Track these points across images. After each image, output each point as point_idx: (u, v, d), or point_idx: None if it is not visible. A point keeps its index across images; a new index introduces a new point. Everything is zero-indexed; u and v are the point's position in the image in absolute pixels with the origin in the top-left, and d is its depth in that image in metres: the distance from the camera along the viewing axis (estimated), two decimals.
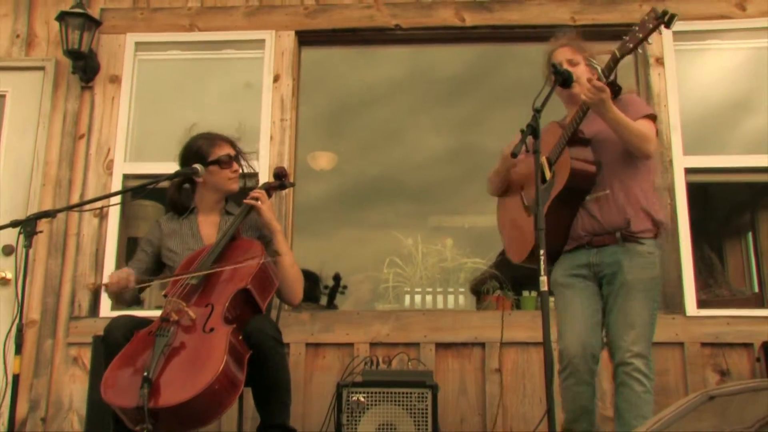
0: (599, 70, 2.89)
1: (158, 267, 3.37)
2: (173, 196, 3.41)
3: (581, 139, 2.99)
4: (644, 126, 2.98)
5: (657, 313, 2.97)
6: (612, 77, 2.90)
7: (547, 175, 2.99)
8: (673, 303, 4.02)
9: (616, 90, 3.00)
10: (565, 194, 2.95)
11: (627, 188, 3.00)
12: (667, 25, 2.76)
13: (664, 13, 2.74)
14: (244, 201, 3.29)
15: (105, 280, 3.13)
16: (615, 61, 2.87)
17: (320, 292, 4.99)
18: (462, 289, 4.75)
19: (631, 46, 2.81)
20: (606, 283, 2.99)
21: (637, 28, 2.81)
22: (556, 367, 2.97)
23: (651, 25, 2.77)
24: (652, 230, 3.00)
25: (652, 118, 3.07)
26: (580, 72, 3.14)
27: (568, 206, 3.00)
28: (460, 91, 5.10)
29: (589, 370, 2.95)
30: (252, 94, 4.52)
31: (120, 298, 3.18)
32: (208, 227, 3.34)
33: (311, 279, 4.89)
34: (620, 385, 2.87)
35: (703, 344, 3.95)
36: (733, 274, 5.18)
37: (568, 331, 2.98)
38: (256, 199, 3.26)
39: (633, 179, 3.03)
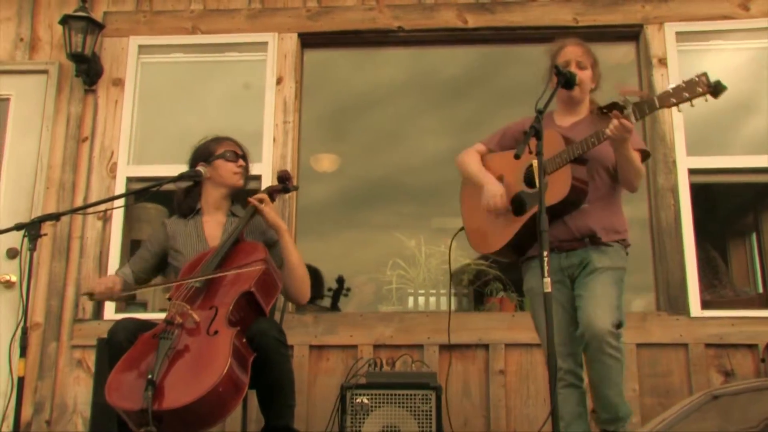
0: (629, 113, 2.86)
1: (159, 267, 3.38)
2: (180, 199, 3.44)
3: (582, 159, 3.01)
4: (638, 160, 3.05)
5: (623, 301, 3.01)
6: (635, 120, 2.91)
7: (537, 182, 2.99)
8: (677, 304, 4.02)
9: (611, 107, 3.01)
10: (556, 208, 2.96)
11: (603, 206, 3.08)
12: (715, 96, 2.73)
13: (717, 83, 2.71)
14: (248, 199, 3.29)
15: (90, 288, 3.14)
16: (651, 109, 2.86)
17: (324, 292, 4.99)
18: (465, 291, 4.74)
19: (674, 101, 2.79)
20: (577, 279, 3.05)
21: (683, 85, 2.77)
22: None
23: (700, 90, 2.73)
24: (616, 238, 3.09)
25: (646, 155, 3.15)
26: (586, 77, 3.14)
27: (550, 217, 3.00)
28: (462, 92, 5.10)
29: (575, 374, 3.04)
30: (254, 97, 4.53)
31: (110, 300, 3.20)
32: (213, 228, 3.35)
33: (315, 275, 4.89)
34: (591, 360, 2.92)
35: (708, 345, 3.95)
36: (737, 274, 5.17)
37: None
38: (260, 200, 3.27)
39: (610, 199, 3.12)
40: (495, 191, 3.15)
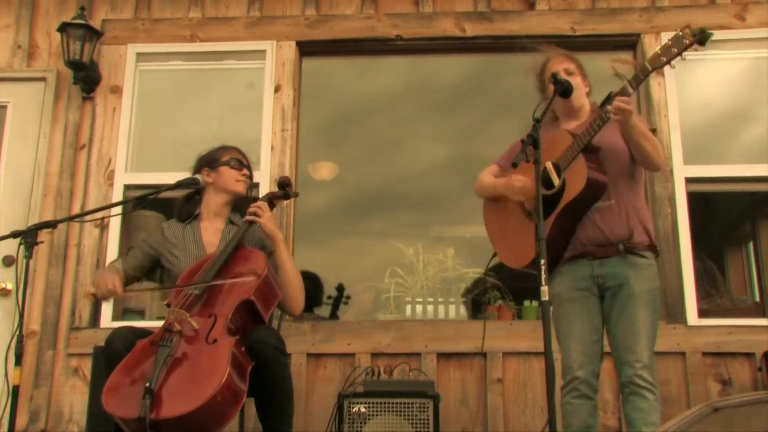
0: (626, 84, 2.85)
1: (151, 269, 3.37)
2: (181, 203, 3.45)
3: (593, 147, 2.98)
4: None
5: (658, 323, 2.99)
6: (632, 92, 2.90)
7: (555, 181, 2.98)
8: (674, 313, 4.02)
9: (608, 99, 3.01)
10: (577, 203, 2.94)
11: (628, 200, 3.03)
12: (702, 44, 2.73)
13: (701, 30, 2.72)
14: (245, 218, 3.28)
15: (92, 288, 3.11)
16: (645, 74, 2.85)
17: (323, 301, 4.98)
18: (463, 299, 4.75)
19: (664, 60, 2.78)
20: (610, 296, 2.99)
21: (670, 43, 2.77)
22: (558, 377, 2.97)
23: (687, 41, 2.73)
24: (648, 242, 3.03)
25: (654, 132, 3.11)
26: (577, 82, 3.15)
27: (575, 214, 3.00)
28: (460, 100, 5.12)
29: (591, 386, 2.98)
30: (252, 104, 4.53)
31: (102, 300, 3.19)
32: (211, 234, 3.34)
33: (315, 283, 4.89)
34: (630, 394, 2.88)
35: (705, 354, 3.95)
36: (734, 283, 5.19)
37: (571, 347, 2.98)
38: (256, 214, 3.26)
39: (633, 191, 3.07)
40: (517, 181, 3.11)
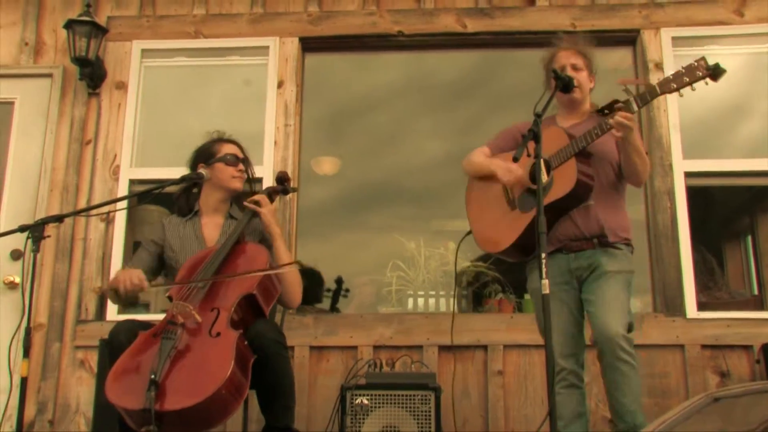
0: (631, 101, 2.88)
1: (160, 266, 3.39)
2: (179, 199, 3.46)
3: (586, 152, 3.03)
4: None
5: (631, 302, 3.05)
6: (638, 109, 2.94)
7: (544, 177, 3.02)
8: (673, 305, 4.05)
9: (610, 106, 3.05)
10: (561, 202, 3.00)
11: (608, 204, 3.11)
12: (714, 79, 2.75)
13: (716, 66, 2.74)
14: (244, 203, 3.31)
15: (115, 283, 3.10)
16: (653, 96, 2.87)
17: (323, 294, 5.02)
18: (464, 293, 4.78)
19: (675, 86, 2.81)
20: (585, 282, 3.08)
21: (683, 71, 2.79)
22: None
23: (699, 74, 2.76)
24: (623, 241, 3.11)
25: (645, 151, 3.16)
26: (583, 78, 3.17)
27: (557, 212, 3.05)
28: (461, 96, 5.13)
29: (577, 376, 3.07)
30: (256, 100, 4.56)
31: (123, 301, 3.17)
32: (212, 229, 3.37)
33: (314, 279, 4.92)
34: (607, 366, 2.93)
35: (704, 346, 3.98)
36: (732, 276, 5.20)
37: (554, 340, 3.01)
38: (257, 203, 3.29)
39: (613, 197, 3.15)
40: (506, 166, 3.15)
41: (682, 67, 2.80)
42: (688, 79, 2.78)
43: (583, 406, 3.07)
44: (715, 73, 2.74)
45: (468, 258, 4.75)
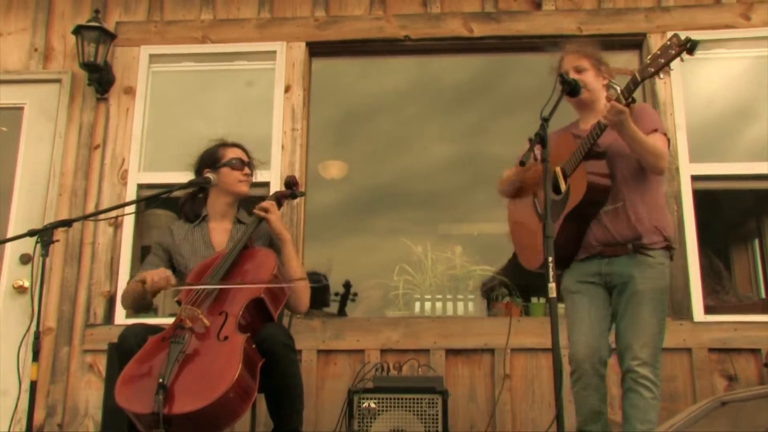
0: (618, 92, 2.84)
1: (171, 270, 3.38)
2: (185, 204, 3.47)
3: (597, 152, 3.00)
4: (658, 141, 3.00)
5: (665, 321, 3.00)
6: (630, 99, 2.93)
7: (562, 186, 3.02)
8: (680, 309, 4.05)
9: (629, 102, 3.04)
10: (581, 208, 2.97)
11: (639, 202, 3.03)
12: (690, 52, 2.72)
13: (687, 40, 2.71)
14: (254, 210, 3.32)
15: (145, 276, 3.09)
16: (635, 84, 2.83)
17: (330, 298, 5.03)
18: (471, 296, 4.78)
19: (653, 70, 2.77)
20: (617, 293, 3.02)
21: (659, 53, 2.77)
22: (566, 372, 3.00)
23: (673, 52, 2.73)
24: (662, 242, 3.03)
25: (664, 133, 3.09)
26: (588, 78, 3.15)
27: (583, 218, 3.02)
28: (468, 100, 5.14)
29: (597, 374, 2.99)
30: (263, 104, 4.58)
31: (140, 304, 3.19)
32: (220, 235, 3.37)
33: (323, 286, 4.93)
34: (628, 390, 2.91)
35: (711, 350, 3.98)
36: (739, 280, 5.19)
37: (576, 335, 3.01)
38: (265, 210, 3.30)
39: (645, 193, 3.06)
40: (535, 171, 3.07)
41: (657, 50, 2.78)
42: (663, 60, 2.75)
43: (602, 406, 3.00)
44: (691, 47, 2.70)
45: (476, 262, 4.76)
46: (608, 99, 2.86)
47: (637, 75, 2.82)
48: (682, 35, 2.74)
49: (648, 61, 2.80)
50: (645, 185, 3.07)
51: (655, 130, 3.03)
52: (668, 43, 2.75)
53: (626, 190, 3.03)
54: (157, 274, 3.07)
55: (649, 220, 3.02)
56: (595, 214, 3.02)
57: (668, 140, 3.12)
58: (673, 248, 3.10)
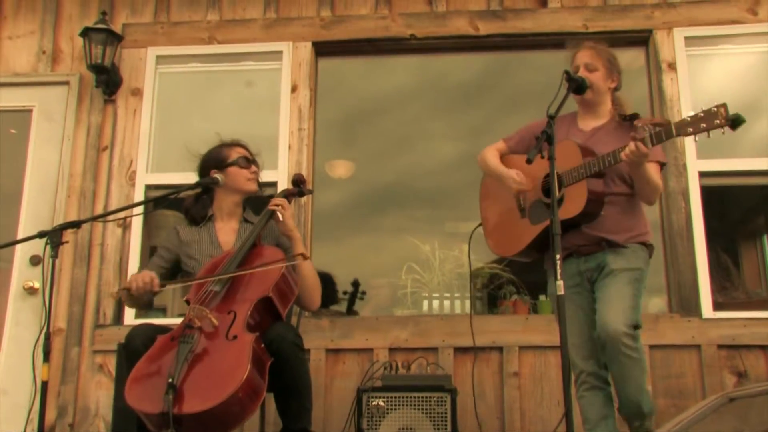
0: (646, 138, 2.82)
1: (174, 273, 3.40)
2: (190, 205, 3.47)
3: (598, 172, 3.02)
4: (656, 174, 3.04)
5: (641, 298, 3.03)
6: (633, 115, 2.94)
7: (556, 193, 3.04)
8: (689, 306, 4.04)
9: (633, 117, 3.05)
10: (573, 221, 3.01)
11: (620, 210, 3.09)
12: (733, 128, 2.65)
13: (736, 116, 2.64)
14: (269, 207, 3.31)
15: (128, 283, 3.13)
16: (668, 136, 2.80)
17: (338, 297, 5.04)
18: (479, 294, 4.78)
19: (691, 131, 2.73)
20: (595, 283, 3.08)
21: (702, 115, 2.70)
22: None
23: (718, 122, 2.66)
24: (635, 240, 3.10)
25: (663, 165, 3.14)
26: (597, 78, 3.15)
27: (567, 227, 3.03)
28: (474, 98, 5.14)
29: (599, 377, 3.06)
30: (270, 104, 4.59)
31: (137, 302, 3.21)
32: (227, 234, 3.38)
33: (328, 282, 4.93)
34: (608, 361, 2.95)
35: (720, 346, 3.97)
36: (748, 276, 5.17)
37: (572, 343, 3.00)
38: (280, 205, 3.31)
39: (627, 203, 3.12)
40: (515, 176, 3.20)
41: (702, 111, 2.69)
42: (705, 125, 2.68)
43: (609, 408, 3.04)
44: (735, 123, 2.63)
45: (483, 260, 4.76)
46: (633, 138, 2.84)
47: (672, 129, 2.79)
48: (731, 110, 2.65)
49: (689, 120, 2.74)
50: (627, 200, 3.12)
51: (656, 162, 3.07)
52: (715, 110, 2.67)
53: (610, 202, 3.07)
54: (141, 280, 3.07)
55: (625, 225, 3.08)
56: (581, 225, 3.07)
57: (664, 164, 3.18)
58: (649, 245, 3.15)
